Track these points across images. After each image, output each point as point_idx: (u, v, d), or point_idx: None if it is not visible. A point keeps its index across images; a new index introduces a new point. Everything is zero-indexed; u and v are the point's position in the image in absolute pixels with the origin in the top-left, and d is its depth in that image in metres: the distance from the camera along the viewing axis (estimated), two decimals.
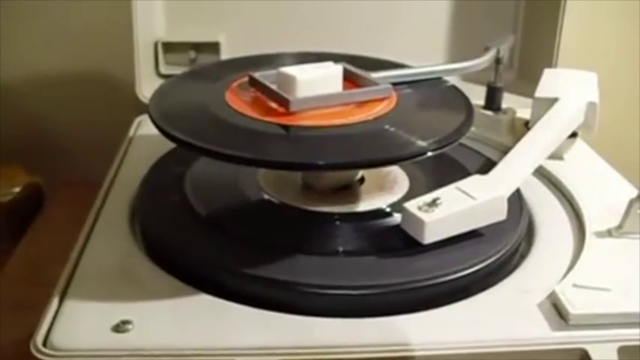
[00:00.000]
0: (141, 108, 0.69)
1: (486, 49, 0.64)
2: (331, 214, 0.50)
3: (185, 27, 0.75)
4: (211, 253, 0.46)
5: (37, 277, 0.60)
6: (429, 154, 0.46)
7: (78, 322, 0.41)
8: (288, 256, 0.45)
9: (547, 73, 0.66)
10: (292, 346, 0.39)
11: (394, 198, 0.52)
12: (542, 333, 0.41)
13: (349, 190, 0.53)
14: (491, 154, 0.61)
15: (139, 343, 0.39)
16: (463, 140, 0.49)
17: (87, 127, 0.87)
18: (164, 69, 0.75)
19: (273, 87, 0.50)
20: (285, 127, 0.47)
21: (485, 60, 0.63)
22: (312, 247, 0.46)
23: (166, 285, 0.44)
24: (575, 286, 0.43)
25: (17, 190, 0.74)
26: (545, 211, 0.54)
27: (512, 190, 0.51)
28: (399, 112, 0.51)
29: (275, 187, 0.53)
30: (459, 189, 0.48)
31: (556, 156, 0.60)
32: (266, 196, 0.52)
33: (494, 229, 0.48)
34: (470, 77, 0.69)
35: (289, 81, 0.49)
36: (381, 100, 0.52)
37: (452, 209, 0.46)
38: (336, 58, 0.54)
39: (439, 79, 0.58)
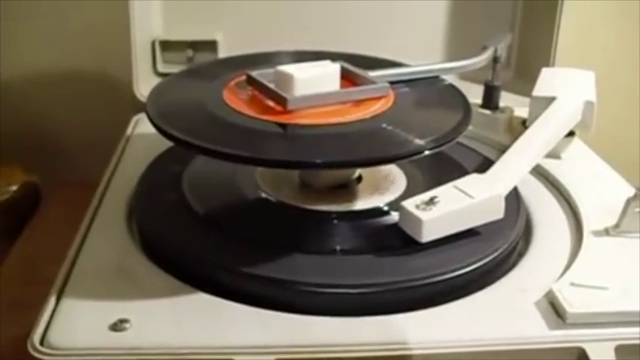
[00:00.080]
0: (139, 107, 0.69)
1: (484, 48, 0.64)
2: (329, 213, 0.50)
3: (182, 25, 0.75)
4: (209, 252, 0.46)
5: (34, 276, 0.60)
6: (427, 152, 0.46)
7: (75, 320, 0.41)
8: (285, 255, 0.45)
9: (544, 72, 0.66)
10: (290, 345, 0.39)
11: (392, 197, 0.52)
12: (539, 332, 0.41)
13: (347, 189, 0.53)
14: (489, 153, 0.61)
15: (137, 342, 0.39)
16: (461, 139, 0.49)
17: (85, 126, 0.87)
18: (162, 67, 0.75)
19: (271, 85, 0.50)
20: (283, 126, 0.47)
21: (482, 59, 0.63)
22: (309, 246, 0.46)
23: (164, 284, 0.44)
24: (572, 284, 0.43)
25: (14, 188, 0.74)
26: (542, 210, 0.54)
27: (510, 188, 0.51)
28: (397, 111, 0.50)
29: (272, 186, 0.53)
30: (456, 188, 0.48)
31: (553, 155, 0.60)
32: (263, 195, 0.52)
33: (492, 227, 0.48)
34: (467, 76, 0.69)
35: (287, 79, 0.49)
36: (379, 98, 0.52)
37: (449, 208, 0.46)
38: (333, 56, 0.54)
39: (437, 77, 0.58)
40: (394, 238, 0.47)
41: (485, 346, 0.39)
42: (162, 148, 0.59)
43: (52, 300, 0.42)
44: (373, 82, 0.52)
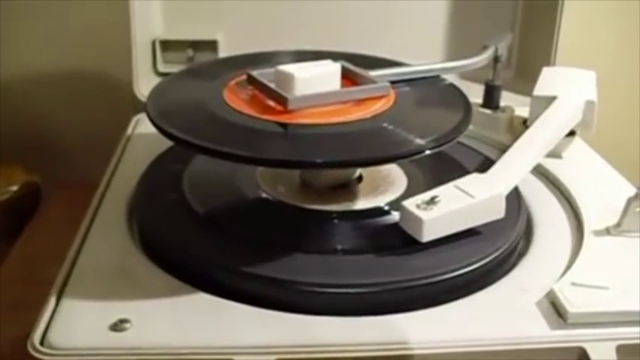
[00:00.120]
0: (139, 106, 0.69)
1: (484, 48, 0.64)
2: (329, 213, 0.50)
3: (183, 25, 0.75)
4: (209, 252, 0.46)
5: (34, 276, 0.60)
6: (427, 152, 0.45)
7: (75, 320, 0.41)
8: (286, 255, 0.45)
9: (545, 71, 0.66)
10: (291, 345, 0.39)
11: (392, 196, 0.52)
12: (540, 332, 0.41)
13: (347, 189, 0.53)
14: (490, 153, 0.61)
15: (137, 342, 0.39)
16: (461, 138, 0.49)
17: (85, 126, 0.87)
18: (162, 67, 0.75)
19: (271, 85, 0.50)
20: (283, 125, 0.47)
21: (483, 58, 0.63)
22: (310, 246, 0.46)
23: (164, 284, 0.44)
24: (573, 284, 0.43)
25: (15, 188, 0.74)
26: (543, 210, 0.54)
27: (511, 188, 0.51)
28: (397, 110, 0.50)
29: (273, 186, 0.53)
30: (457, 187, 0.48)
31: (554, 154, 0.60)
32: (264, 195, 0.52)
33: (493, 227, 0.47)
34: (468, 75, 0.69)
35: (287, 79, 0.49)
36: (379, 98, 0.51)
37: (450, 207, 0.46)
38: (334, 56, 0.54)
39: (437, 77, 0.58)
40: (395, 238, 0.47)
41: (486, 346, 0.39)
42: (163, 148, 0.59)
43: (52, 300, 0.42)
44: (374, 82, 0.52)
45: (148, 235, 0.49)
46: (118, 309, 0.41)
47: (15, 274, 0.62)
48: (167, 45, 0.75)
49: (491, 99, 0.67)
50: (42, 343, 0.39)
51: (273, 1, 0.74)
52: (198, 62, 0.75)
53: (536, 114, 0.60)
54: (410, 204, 0.46)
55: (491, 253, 0.46)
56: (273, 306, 0.42)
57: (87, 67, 0.87)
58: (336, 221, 0.50)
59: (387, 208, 0.51)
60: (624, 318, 0.41)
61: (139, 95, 0.71)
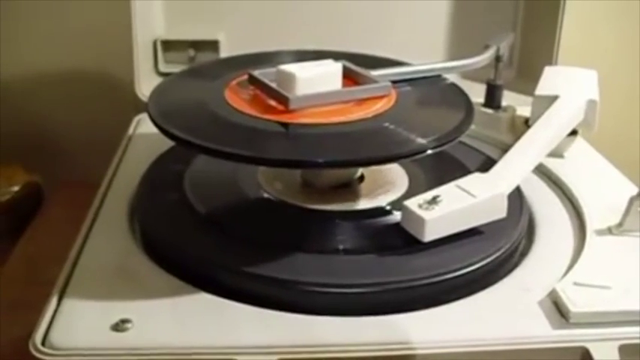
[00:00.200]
0: (140, 106, 0.69)
1: (486, 47, 0.64)
2: (331, 212, 0.50)
3: (184, 25, 0.75)
4: (211, 252, 0.46)
5: (35, 276, 0.60)
6: (429, 151, 0.45)
7: (77, 321, 0.41)
8: (287, 255, 0.45)
9: (547, 70, 0.66)
10: (292, 345, 0.39)
11: (394, 196, 0.52)
12: (542, 331, 0.40)
13: (349, 188, 0.53)
14: (491, 152, 0.61)
15: (138, 342, 0.39)
16: (463, 138, 0.49)
17: (86, 126, 0.87)
18: (163, 67, 0.75)
19: (273, 85, 0.50)
20: (285, 125, 0.47)
21: (485, 58, 0.63)
22: (311, 246, 0.46)
23: (165, 284, 0.44)
24: (575, 284, 0.43)
25: (16, 189, 0.74)
26: (545, 209, 0.54)
27: (513, 187, 0.51)
28: (399, 110, 0.50)
29: (274, 185, 0.53)
30: (459, 187, 0.48)
31: (556, 154, 0.60)
32: (265, 195, 0.52)
33: (495, 227, 0.47)
34: (469, 75, 0.69)
35: (289, 79, 0.49)
36: (381, 97, 0.51)
37: (452, 207, 0.46)
38: (335, 55, 0.54)
39: (439, 76, 0.58)
40: (396, 238, 0.47)
41: (488, 346, 0.39)
42: (164, 148, 0.58)
43: (54, 300, 0.42)
44: (375, 82, 0.52)
45: (149, 235, 0.49)
46: (119, 309, 0.41)
47: (16, 274, 0.62)
48: (168, 45, 0.75)
49: (492, 98, 0.67)
50: (43, 343, 0.39)
51: (275, 1, 0.74)
52: (199, 62, 0.75)
53: (537, 113, 0.60)
54: (412, 204, 0.46)
55: (493, 252, 0.46)
56: (275, 306, 0.42)
57: (88, 67, 0.87)
58: (337, 221, 0.49)
59: (388, 207, 0.51)
60: (627, 318, 0.41)
61: (140, 95, 0.71)
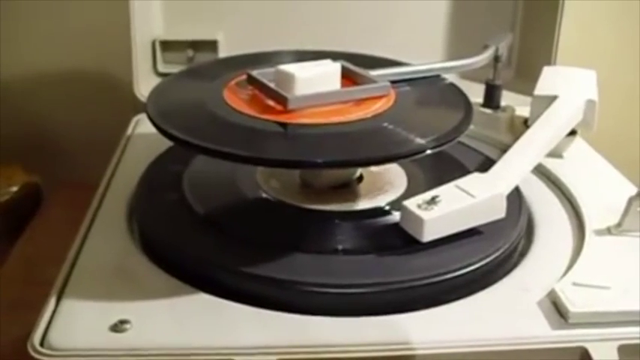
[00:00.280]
0: (139, 107, 0.69)
1: (485, 47, 0.64)
2: (330, 213, 0.50)
3: (183, 25, 0.75)
4: (209, 252, 0.46)
5: (34, 277, 0.60)
6: (428, 151, 0.45)
7: (75, 321, 0.40)
8: (286, 255, 0.45)
9: (546, 70, 0.66)
10: (291, 345, 0.39)
11: (393, 196, 0.52)
12: (542, 331, 0.40)
13: (348, 189, 0.53)
14: (490, 152, 0.61)
15: (137, 343, 0.39)
16: (462, 138, 0.49)
17: (85, 126, 0.87)
18: (162, 67, 0.75)
19: (271, 85, 0.50)
20: (283, 125, 0.47)
21: (483, 58, 0.63)
22: (310, 246, 0.46)
23: (164, 284, 0.44)
24: (574, 284, 0.43)
25: (15, 189, 0.74)
26: (544, 209, 0.54)
27: (512, 188, 0.51)
28: (398, 110, 0.50)
29: (273, 186, 0.53)
30: (458, 187, 0.48)
31: (555, 154, 0.60)
32: (264, 195, 0.52)
33: (494, 227, 0.47)
34: (468, 75, 0.69)
35: (287, 79, 0.49)
36: (380, 97, 0.51)
37: (451, 207, 0.46)
38: (334, 55, 0.54)
39: (438, 76, 0.58)
40: (395, 238, 0.47)
41: (488, 346, 0.39)
42: (163, 148, 0.58)
43: (53, 300, 0.42)
44: (374, 82, 0.52)
45: (148, 235, 0.49)
46: (118, 309, 0.41)
47: (15, 274, 0.62)
48: (167, 45, 0.75)
49: (491, 98, 0.67)
50: (42, 344, 0.39)
51: (274, 1, 0.74)
52: (198, 62, 0.75)
53: (536, 113, 0.60)
54: (411, 204, 0.46)
55: (492, 252, 0.46)
56: (274, 306, 0.42)
57: (87, 67, 0.87)
58: (336, 221, 0.49)
59: (387, 208, 0.51)
60: (626, 318, 0.41)
61: (139, 95, 0.71)
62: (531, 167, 0.55)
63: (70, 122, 0.88)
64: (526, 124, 0.63)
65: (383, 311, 0.41)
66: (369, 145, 0.46)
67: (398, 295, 0.43)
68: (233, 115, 0.49)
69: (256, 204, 0.52)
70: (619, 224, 0.49)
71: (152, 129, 0.48)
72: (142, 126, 0.67)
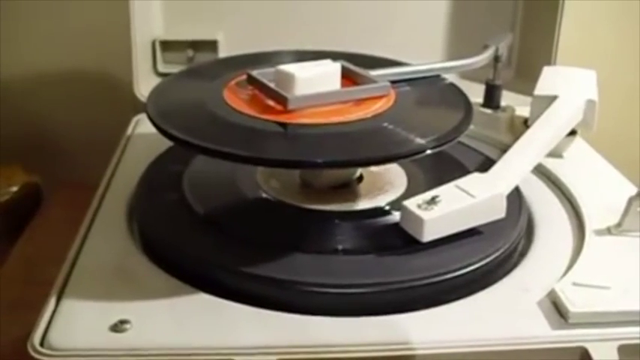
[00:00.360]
0: (139, 107, 0.69)
1: (485, 47, 0.64)
2: (330, 213, 0.50)
3: (183, 25, 0.75)
4: (209, 252, 0.46)
5: (34, 277, 0.60)
6: (428, 151, 0.45)
7: (75, 321, 0.40)
8: (286, 255, 0.45)
9: (546, 70, 0.66)
10: (291, 345, 0.39)
11: (393, 196, 0.52)
12: (542, 331, 0.40)
13: (348, 189, 0.53)
14: (490, 152, 0.61)
15: (137, 343, 0.39)
16: (462, 138, 0.49)
17: (85, 126, 0.87)
18: (162, 67, 0.75)
19: (271, 85, 0.50)
20: (283, 125, 0.47)
21: (483, 58, 0.63)
22: (310, 246, 0.46)
23: (164, 284, 0.44)
24: (574, 284, 0.43)
25: (15, 189, 0.74)
26: (544, 209, 0.54)
27: (512, 188, 0.51)
28: (398, 110, 0.50)
29: (273, 186, 0.53)
30: (458, 187, 0.48)
31: (555, 154, 0.60)
32: (264, 195, 0.52)
33: (494, 227, 0.47)
34: (468, 75, 0.69)
35: (287, 79, 0.49)
36: (380, 97, 0.51)
37: (451, 207, 0.46)
38: (334, 55, 0.54)
39: (438, 76, 0.58)
40: (395, 238, 0.47)
41: (488, 346, 0.39)
42: (163, 148, 0.58)
43: (53, 301, 0.42)
44: (374, 82, 0.52)
45: (148, 235, 0.49)
46: (118, 309, 0.41)
47: (15, 274, 0.62)
48: (167, 45, 0.75)
49: (491, 98, 0.67)
50: (42, 344, 0.39)
51: (273, 1, 0.74)
52: (198, 62, 0.75)
53: (536, 113, 0.60)
54: (411, 204, 0.46)
55: (492, 252, 0.46)
56: (274, 306, 0.41)
57: (87, 67, 0.87)
58: (336, 221, 0.49)
59: (387, 208, 0.51)
60: (626, 318, 0.41)
61: (139, 95, 0.71)
62: (531, 167, 0.55)
63: (70, 122, 0.88)
64: (526, 124, 0.63)
65: (383, 311, 0.41)
66: (369, 145, 0.46)
67: (398, 295, 0.43)
68: (233, 115, 0.49)
69: (256, 204, 0.52)
70: (619, 224, 0.49)
71: (152, 129, 0.48)
72: (142, 126, 0.67)
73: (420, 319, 0.41)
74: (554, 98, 0.61)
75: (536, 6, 0.75)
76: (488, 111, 0.66)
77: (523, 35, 0.77)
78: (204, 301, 0.42)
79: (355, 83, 0.53)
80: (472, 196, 0.47)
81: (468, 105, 0.53)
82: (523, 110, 0.65)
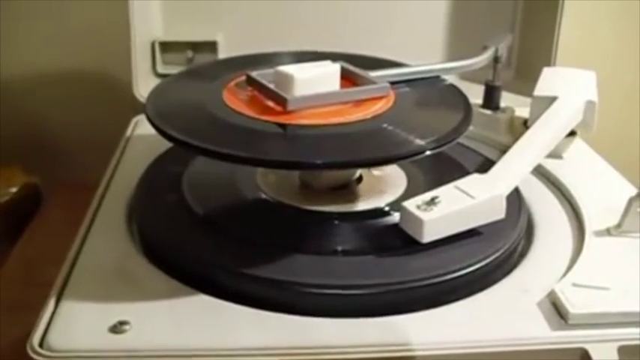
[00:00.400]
0: (138, 108, 0.69)
1: (484, 48, 0.64)
2: (329, 214, 0.50)
3: (182, 26, 0.75)
4: (209, 253, 0.46)
5: (34, 278, 0.60)
6: (428, 152, 0.45)
7: (75, 322, 0.40)
8: (286, 256, 0.45)
9: (546, 71, 0.66)
10: (290, 347, 0.39)
11: (392, 197, 0.52)
12: (541, 332, 0.40)
13: (347, 189, 0.53)
14: (490, 153, 0.61)
15: (137, 344, 0.39)
16: (461, 139, 0.49)
17: (85, 127, 0.87)
18: (161, 68, 0.75)
19: (271, 86, 0.50)
20: (283, 126, 0.47)
21: (483, 59, 0.63)
22: (310, 247, 0.46)
23: (164, 285, 0.44)
24: (574, 285, 0.43)
25: (14, 190, 0.74)
26: (544, 210, 0.54)
27: (511, 189, 0.50)
28: (397, 111, 0.50)
29: (273, 187, 0.53)
30: (457, 188, 0.48)
31: (555, 155, 0.60)
32: (264, 196, 0.52)
33: (493, 228, 0.47)
34: (468, 76, 0.69)
35: (287, 80, 0.49)
36: (379, 98, 0.51)
37: (451, 208, 0.46)
38: (333, 56, 0.54)
39: (437, 77, 0.58)
40: (395, 239, 0.47)
41: (487, 347, 0.39)
42: (162, 149, 0.58)
43: (52, 302, 0.42)
44: (373, 82, 0.52)
45: (147, 236, 0.49)
46: (117, 311, 0.41)
47: (15, 275, 0.62)
48: (166, 46, 0.75)
49: (491, 99, 0.66)
50: (41, 345, 0.39)
51: (273, 1, 0.74)
52: (197, 63, 0.75)
53: (536, 114, 0.60)
54: (410, 205, 0.46)
55: (491, 253, 0.46)
56: (273, 308, 0.41)
57: (87, 67, 0.87)
58: (336, 222, 0.49)
59: (387, 208, 0.51)
60: (625, 319, 0.41)
61: (138, 96, 0.71)
62: (531, 168, 0.55)
63: (70, 122, 0.88)
64: (526, 124, 0.63)
65: (383, 312, 0.41)
66: (368, 146, 0.46)
67: (398, 296, 0.43)
68: (232, 116, 0.49)
69: (256, 205, 0.52)
70: (619, 225, 0.49)
71: (151, 130, 0.48)
72: (142, 127, 0.67)
73: (419, 320, 0.41)
74: (553, 99, 0.61)
75: (536, 6, 0.75)
76: (488, 112, 0.66)
77: (523, 36, 0.77)
78: (203, 302, 0.42)
79: (355, 84, 0.53)
80: (472, 196, 0.47)
81: (467, 106, 0.53)
82: (523, 111, 0.65)
